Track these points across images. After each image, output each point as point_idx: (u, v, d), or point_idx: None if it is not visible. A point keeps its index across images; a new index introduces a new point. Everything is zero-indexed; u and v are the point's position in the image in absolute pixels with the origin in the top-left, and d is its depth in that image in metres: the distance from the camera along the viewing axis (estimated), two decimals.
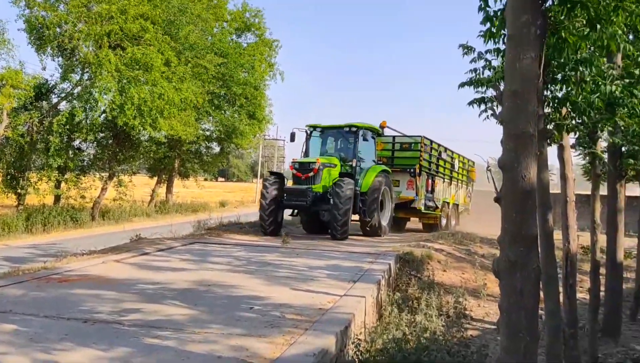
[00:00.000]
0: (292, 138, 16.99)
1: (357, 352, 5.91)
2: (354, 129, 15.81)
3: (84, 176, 24.59)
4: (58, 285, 7.47)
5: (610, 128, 6.90)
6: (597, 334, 7.96)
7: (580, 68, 5.16)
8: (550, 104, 5.50)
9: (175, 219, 25.24)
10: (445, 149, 20.82)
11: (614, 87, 5.39)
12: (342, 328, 5.83)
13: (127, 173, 27.73)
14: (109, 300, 6.71)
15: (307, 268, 9.56)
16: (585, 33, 4.29)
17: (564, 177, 6.43)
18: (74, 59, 21.48)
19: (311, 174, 14.65)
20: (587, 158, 8.37)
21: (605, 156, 8.49)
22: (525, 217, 3.73)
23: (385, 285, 9.40)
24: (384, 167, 16.47)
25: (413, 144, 18.51)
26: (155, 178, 33.86)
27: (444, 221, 20.37)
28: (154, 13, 21.74)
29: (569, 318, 6.21)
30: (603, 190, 8.95)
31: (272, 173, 16.13)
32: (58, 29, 20.62)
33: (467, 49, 5.85)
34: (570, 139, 6.64)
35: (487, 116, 5.21)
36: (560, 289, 6.05)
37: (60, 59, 21.85)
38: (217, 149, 36.06)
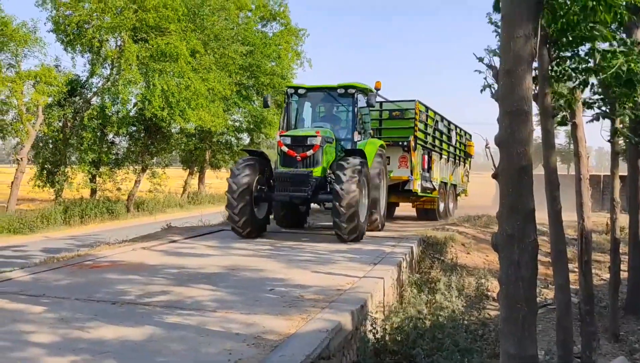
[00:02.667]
0: (265, 103, 13.42)
1: (373, 330, 6.09)
2: (351, 90, 11.97)
3: (118, 169, 25.33)
4: (89, 270, 7.85)
5: (630, 105, 6.88)
6: (619, 311, 7.97)
7: (585, 44, 5.19)
8: (559, 80, 5.53)
9: (207, 210, 25.76)
10: (442, 118, 17.51)
11: (624, 61, 5.39)
12: (357, 307, 6.01)
13: (161, 165, 28.44)
14: (136, 283, 7.03)
15: (328, 251, 9.75)
16: (581, 13, 4.33)
17: (577, 155, 6.47)
18: (101, 54, 22.07)
19: (310, 153, 10.96)
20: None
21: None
22: (521, 192, 3.82)
23: (407, 267, 9.54)
24: (380, 141, 13.12)
25: (405, 111, 15.20)
26: (188, 170, 34.55)
27: (441, 206, 17.29)
28: (174, 3, 22.00)
29: (584, 295, 6.26)
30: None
31: (250, 152, 12.16)
32: (85, 25, 21.23)
33: (491, 21, 5.91)
34: (584, 117, 6.66)
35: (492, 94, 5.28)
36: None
37: (89, 55, 22.50)
38: (247, 139, 36.51)
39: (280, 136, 11.51)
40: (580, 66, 5.62)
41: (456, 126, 19.05)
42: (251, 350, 4.62)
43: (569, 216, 7.65)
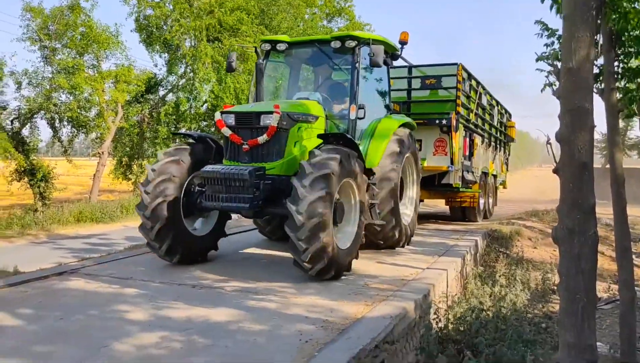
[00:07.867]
0: (230, 66, 8.93)
1: (436, 319, 6.31)
2: (350, 43, 8.25)
3: None
4: None
5: None
6: None
7: None
8: (625, 76, 5.55)
9: None
10: (485, 90, 13.76)
11: None
12: (421, 297, 6.26)
13: None
14: (216, 268, 7.54)
15: None
16: None
17: None
18: (178, 53, 23.14)
19: (263, 138, 7.15)
20: None
21: None
22: (582, 187, 3.96)
23: (472, 260, 9.65)
24: (405, 119, 9.52)
25: (444, 79, 11.55)
26: None
27: (481, 202, 13.82)
28: (249, 4, 22.83)
29: None
30: None
31: (187, 136, 8.29)
32: (163, 25, 22.36)
33: (542, 24, 6.00)
34: None
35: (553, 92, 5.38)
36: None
37: (166, 55, 23.65)
38: None
39: (222, 112, 7.52)
40: None
41: (498, 102, 15.49)
42: (320, 332, 4.96)
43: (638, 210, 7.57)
